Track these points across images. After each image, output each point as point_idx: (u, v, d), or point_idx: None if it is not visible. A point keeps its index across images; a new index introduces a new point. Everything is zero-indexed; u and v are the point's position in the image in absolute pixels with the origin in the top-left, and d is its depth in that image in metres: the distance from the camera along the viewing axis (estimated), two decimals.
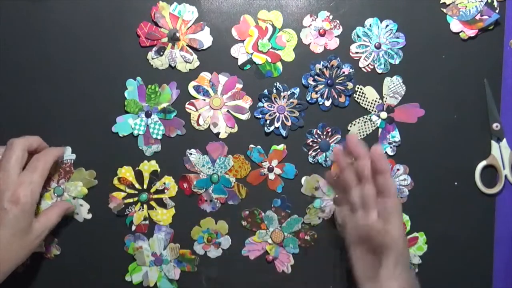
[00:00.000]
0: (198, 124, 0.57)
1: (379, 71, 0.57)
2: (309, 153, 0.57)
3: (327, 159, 0.57)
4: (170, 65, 0.57)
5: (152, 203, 0.57)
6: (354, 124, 0.58)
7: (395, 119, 0.58)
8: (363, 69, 0.58)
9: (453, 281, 0.58)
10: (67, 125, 0.57)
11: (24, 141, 0.50)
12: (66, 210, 0.54)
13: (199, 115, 0.57)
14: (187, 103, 0.57)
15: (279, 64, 0.57)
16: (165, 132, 0.57)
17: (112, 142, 0.57)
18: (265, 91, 0.57)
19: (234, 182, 0.57)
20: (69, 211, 0.55)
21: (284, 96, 0.57)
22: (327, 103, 0.57)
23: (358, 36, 0.57)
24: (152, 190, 0.57)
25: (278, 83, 0.57)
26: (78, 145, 0.57)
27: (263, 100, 0.57)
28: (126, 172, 0.57)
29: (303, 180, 0.57)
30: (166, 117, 0.57)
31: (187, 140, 0.57)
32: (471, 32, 0.57)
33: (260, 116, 0.57)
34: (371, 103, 0.57)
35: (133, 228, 0.57)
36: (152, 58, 0.57)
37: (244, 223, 0.57)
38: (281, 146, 0.57)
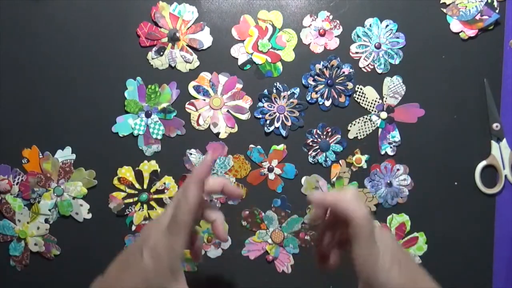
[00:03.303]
0: (198, 124, 0.57)
1: (379, 71, 0.57)
2: (309, 153, 0.57)
3: (327, 159, 0.57)
4: (170, 65, 0.57)
5: (152, 203, 0.57)
6: (354, 124, 0.58)
7: (395, 119, 0.58)
8: (363, 69, 0.58)
9: (453, 281, 0.58)
10: (67, 125, 0.57)
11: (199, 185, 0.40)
12: None
13: (199, 115, 0.57)
14: (187, 103, 0.57)
15: (279, 64, 0.57)
16: (165, 132, 0.57)
17: (112, 142, 0.57)
18: (265, 91, 0.57)
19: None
20: None
21: (284, 96, 0.57)
22: (327, 103, 0.57)
23: (358, 36, 0.57)
24: (152, 190, 0.57)
25: (278, 83, 0.57)
26: (78, 145, 0.57)
27: (263, 100, 0.57)
28: (126, 172, 0.57)
29: (303, 180, 0.57)
30: (166, 117, 0.57)
31: (187, 140, 0.57)
32: (471, 32, 0.57)
33: (260, 116, 0.57)
34: (371, 103, 0.57)
35: (133, 228, 0.57)
36: (152, 58, 0.57)
37: (244, 223, 0.57)
38: (281, 146, 0.57)
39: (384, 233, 0.41)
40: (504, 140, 0.57)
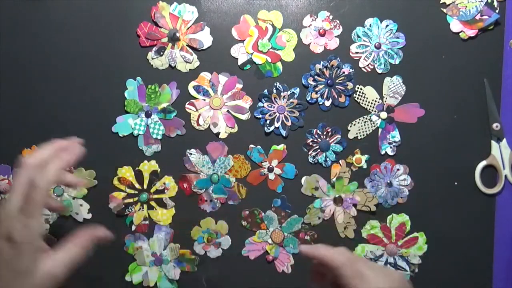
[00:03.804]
0: (198, 124, 0.57)
1: (379, 71, 0.57)
2: (309, 153, 0.57)
3: (327, 159, 0.57)
4: (170, 65, 0.57)
5: (152, 203, 0.57)
6: (354, 124, 0.58)
7: (395, 119, 0.58)
8: (363, 69, 0.58)
9: (453, 281, 0.58)
10: (67, 125, 0.57)
11: (33, 162, 0.40)
12: (87, 246, 0.41)
13: (199, 115, 0.57)
14: (187, 103, 0.57)
15: (279, 64, 0.57)
16: (165, 132, 0.57)
17: (112, 142, 0.57)
18: (265, 91, 0.57)
19: (234, 182, 0.57)
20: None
21: (284, 96, 0.57)
22: (327, 103, 0.57)
23: (358, 36, 0.57)
24: (152, 190, 0.57)
25: (278, 83, 0.57)
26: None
27: (263, 100, 0.57)
28: (126, 172, 0.57)
29: (303, 180, 0.57)
30: (166, 117, 0.57)
31: (187, 140, 0.57)
32: (471, 32, 0.57)
33: (260, 116, 0.57)
34: (371, 103, 0.57)
35: (133, 228, 0.57)
36: (152, 58, 0.57)
37: (244, 223, 0.57)
38: (281, 146, 0.57)
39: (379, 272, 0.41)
40: (504, 140, 0.57)
